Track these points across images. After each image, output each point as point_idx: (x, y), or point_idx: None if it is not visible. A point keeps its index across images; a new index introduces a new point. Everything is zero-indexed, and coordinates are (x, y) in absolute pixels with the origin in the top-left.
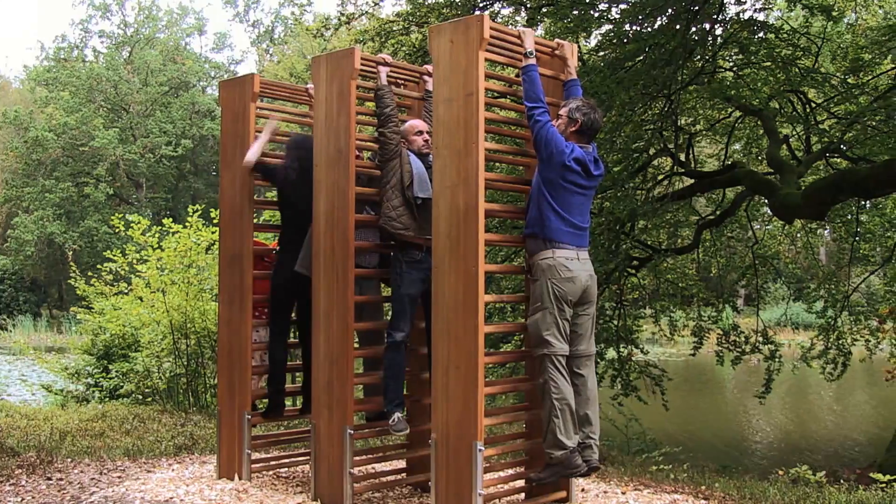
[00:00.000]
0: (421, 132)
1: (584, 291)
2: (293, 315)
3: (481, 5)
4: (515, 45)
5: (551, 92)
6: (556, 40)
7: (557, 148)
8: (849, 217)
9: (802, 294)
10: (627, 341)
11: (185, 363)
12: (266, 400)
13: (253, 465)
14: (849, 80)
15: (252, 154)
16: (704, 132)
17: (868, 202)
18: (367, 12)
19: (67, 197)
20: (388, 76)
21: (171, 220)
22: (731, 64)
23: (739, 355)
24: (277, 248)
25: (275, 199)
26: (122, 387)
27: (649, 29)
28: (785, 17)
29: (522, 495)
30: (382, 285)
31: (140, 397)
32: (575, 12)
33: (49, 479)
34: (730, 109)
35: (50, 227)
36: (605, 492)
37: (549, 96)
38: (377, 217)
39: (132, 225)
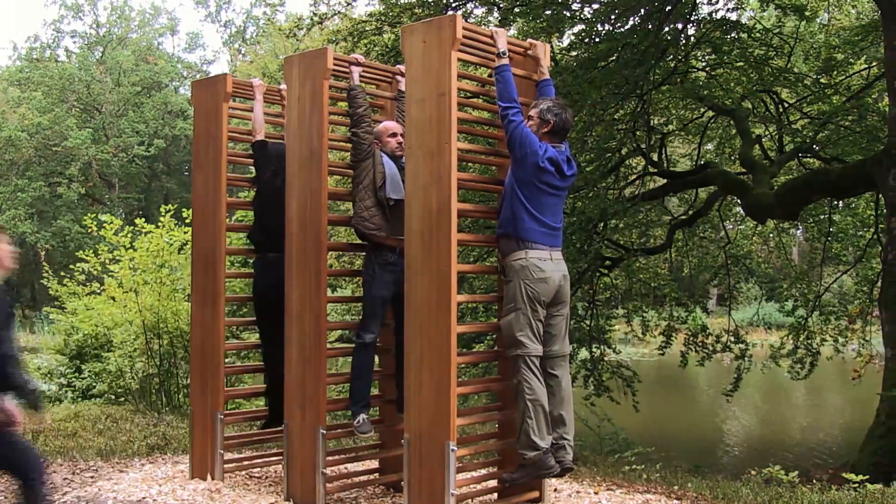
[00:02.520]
0: (395, 134)
1: (557, 292)
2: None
3: (454, 5)
4: (488, 46)
5: (524, 92)
6: (529, 40)
7: (531, 148)
8: (821, 217)
9: (775, 294)
10: (600, 341)
11: (158, 363)
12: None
13: (226, 465)
14: (822, 80)
15: (260, 126)
16: (677, 132)
17: (840, 202)
18: (339, 12)
19: (40, 196)
20: (360, 76)
21: (143, 220)
22: (704, 64)
23: (707, 355)
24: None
25: (248, 199)
26: (94, 387)
27: (622, 29)
28: (758, 16)
29: (495, 495)
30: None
31: (113, 397)
32: (548, 12)
33: None
34: (702, 109)
35: (21, 227)
36: (578, 492)
37: (521, 96)
38: (349, 217)
39: (105, 225)
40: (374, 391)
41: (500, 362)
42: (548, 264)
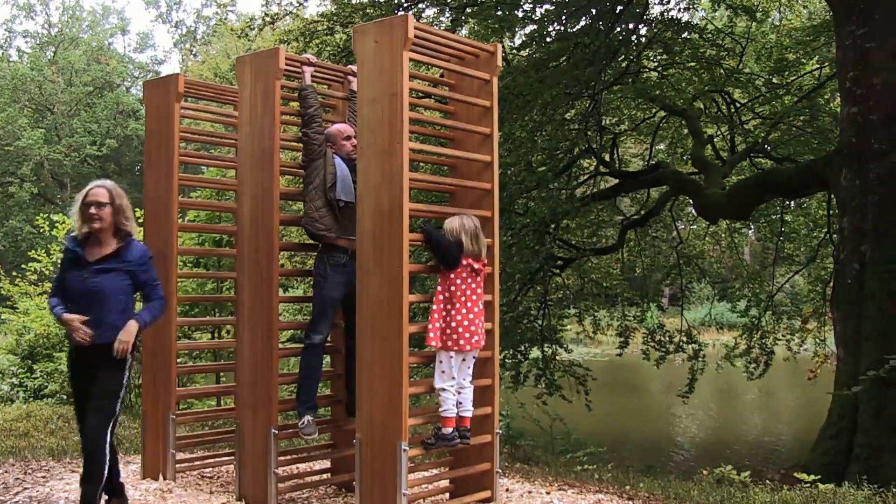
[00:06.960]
0: (349, 137)
1: None
2: None
3: (405, 5)
4: (440, 46)
5: (476, 93)
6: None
7: None
8: (773, 217)
9: (727, 294)
10: (551, 341)
11: None
12: None
13: (177, 466)
14: (773, 81)
15: None
16: (629, 132)
17: (792, 202)
18: (291, 12)
19: None
20: (312, 76)
21: None
22: (656, 64)
23: (664, 354)
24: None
25: (199, 199)
26: (46, 387)
27: (573, 29)
28: (709, 16)
29: (447, 495)
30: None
31: (65, 397)
32: (499, 13)
33: None
34: (654, 109)
35: None
36: (530, 492)
37: (474, 97)
38: (300, 217)
39: (56, 225)
40: (326, 391)
41: None
42: None
